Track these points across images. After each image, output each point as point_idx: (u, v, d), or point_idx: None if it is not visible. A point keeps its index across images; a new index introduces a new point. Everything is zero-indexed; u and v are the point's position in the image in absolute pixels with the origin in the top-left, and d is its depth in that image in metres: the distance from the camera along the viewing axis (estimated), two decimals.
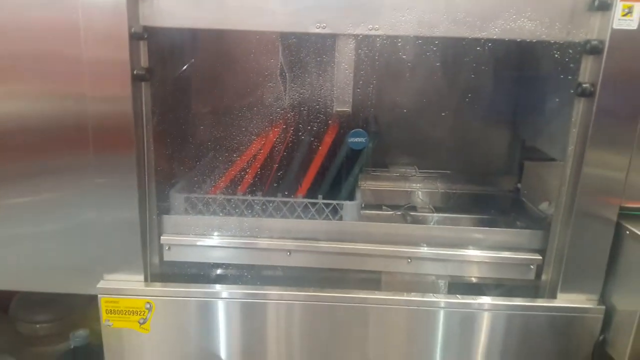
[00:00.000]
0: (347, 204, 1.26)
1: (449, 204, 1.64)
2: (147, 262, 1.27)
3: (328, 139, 1.30)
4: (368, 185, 1.66)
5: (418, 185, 1.67)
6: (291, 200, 1.27)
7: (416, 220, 1.53)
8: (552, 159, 1.36)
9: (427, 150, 1.67)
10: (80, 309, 1.81)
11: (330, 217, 1.26)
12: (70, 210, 1.24)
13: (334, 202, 1.26)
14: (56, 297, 1.82)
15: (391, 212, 1.58)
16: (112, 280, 1.26)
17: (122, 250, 1.24)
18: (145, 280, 1.27)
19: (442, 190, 1.65)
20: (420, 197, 1.65)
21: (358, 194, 1.34)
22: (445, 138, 1.64)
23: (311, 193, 1.31)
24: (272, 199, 1.28)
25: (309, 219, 1.26)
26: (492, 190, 1.66)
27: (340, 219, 1.27)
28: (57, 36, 1.10)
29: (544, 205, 1.42)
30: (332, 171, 1.32)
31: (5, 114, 1.17)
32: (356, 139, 1.21)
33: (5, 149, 1.20)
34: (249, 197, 1.29)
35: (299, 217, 1.28)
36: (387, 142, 1.65)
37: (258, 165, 1.31)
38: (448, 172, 1.67)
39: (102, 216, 1.21)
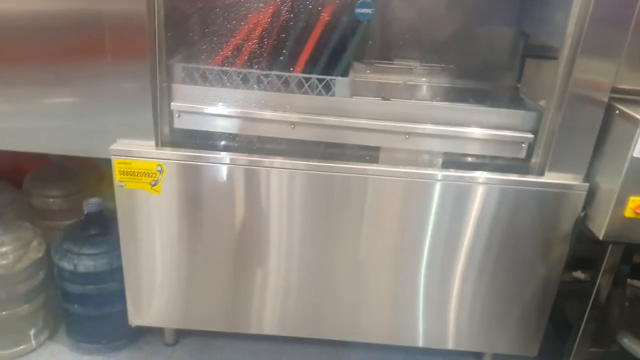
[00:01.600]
0: (339, 79, 1.30)
1: (449, 98, 1.67)
2: (158, 128, 1.33)
3: (325, 16, 1.31)
4: (371, 77, 1.69)
5: (419, 78, 1.70)
6: (285, 74, 1.30)
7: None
8: (554, 58, 1.38)
9: (430, 43, 1.69)
10: (90, 186, 1.90)
11: (323, 92, 1.30)
12: (87, 80, 1.29)
13: (327, 77, 1.29)
14: (68, 174, 1.91)
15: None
16: (125, 144, 1.33)
17: (135, 117, 1.31)
18: (156, 145, 1.34)
19: (443, 85, 1.68)
20: (422, 90, 1.68)
21: (351, 72, 1.37)
22: (450, 32, 1.66)
23: (309, 69, 1.35)
24: (268, 72, 1.31)
25: (302, 94, 1.31)
26: (492, 86, 1.69)
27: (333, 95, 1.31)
28: None
29: (543, 102, 1.46)
30: (329, 48, 1.35)
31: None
32: (363, 10, 1.23)
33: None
34: (245, 70, 1.32)
35: (292, 91, 1.32)
36: (391, 33, 1.67)
37: (255, 39, 1.33)
38: (451, 66, 1.69)
39: (116, 85, 1.27)
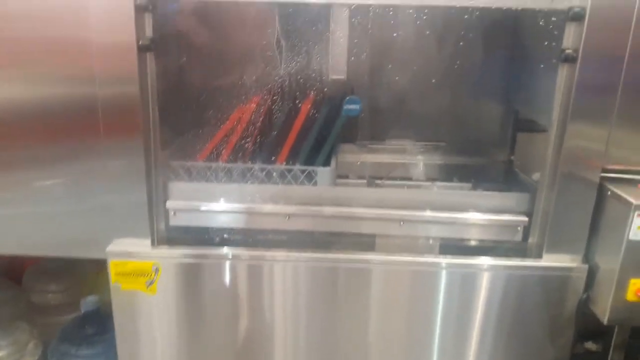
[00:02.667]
0: (320, 169, 1.32)
1: (443, 175, 1.69)
2: (153, 227, 1.33)
3: (305, 108, 1.36)
4: (364, 158, 1.72)
5: (412, 157, 1.72)
6: (268, 167, 1.34)
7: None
8: (545, 130, 1.41)
9: (422, 122, 1.72)
10: (90, 279, 1.89)
11: (306, 183, 1.33)
12: (81, 178, 1.30)
13: (309, 168, 1.32)
14: (67, 268, 1.91)
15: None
16: (121, 244, 1.33)
17: (130, 216, 1.31)
18: (152, 244, 1.33)
19: (436, 162, 1.70)
20: (415, 169, 1.70)
21: (333, 161, 1.40)
22: (440, 110, 1.69)
23: (293, 160, 1.38)
24: (250, 166, 1.35)
25: (285, 184, 1.34)
26: (485, 161, 1.70)
27: (316, 184, 1.33)
28: (64, 17, 1.16)
29: (537, 176, 1.47)
30: (310, 139, 1.38)
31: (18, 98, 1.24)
32: (351, 106, 1.27)
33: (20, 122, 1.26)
34: (244, 166, 1.36)
35: (275, 183, 1.35)
36: (382, 114, 1.70)
37: (243, 133, 1.38)
38: (443, 143, 1.71)
39: (111, 184, 1.28)
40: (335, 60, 1.19)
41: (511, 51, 1.61)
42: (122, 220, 1.31)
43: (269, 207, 1.33)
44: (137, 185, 1.28)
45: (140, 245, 1.33)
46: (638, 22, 1.09)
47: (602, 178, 1.21)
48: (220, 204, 1.35)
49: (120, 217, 1.31)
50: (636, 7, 1.08)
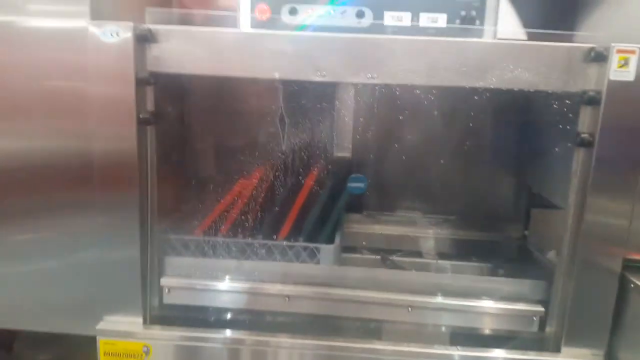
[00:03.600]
0: (324, 247, 1.27)
1: (453, 250, 1.62)
2: (146, 304, 1.26)
3: (309, 184, 1.31)
4: (371, 230, 1.66)
5: (423, 230, 1.66)
6: (269, 243, 1.29)
7: (419, 267, 1.51)
8: (559, 207, 1.34)
9: (433, 196, 1.67)
10: (83, 347, 1.80)
11: (308, 260, 1.27)
12: (72, 249, 1.25)
13: (311, 245, 1.27)
14: (59, 335, 1.83)
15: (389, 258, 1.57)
16: (111, 322, 1.26)
17: (122, 292, 1.24)
18: (145, 322, 1.26)
19: (447, 237, 1.64)
20: (424, 242, 1.64)
21: (337, 238, 1.34)
22: (452, 185, 1.64)
23: (296, 236, 1.32)
24: (250, 241, 1.30)
25: (286, 261, 1.28)
26: (498, 238, 1.64)
27: (318, 262, 1.28)
28: (65, 77, 1.15)
29: (551, 254, 1.40)
30: (314, 214, 1.34)
31: (12, 151, 1.21)
32: (355, 184, 1.22)
33: (10, 185, 1.22)
34: (244, 241, 1.30)
35: (276, 259, 1.29)
36: (390, 187, 1.65)
37: (244, 207, 1.34)
38: (452, 217, 1.65)
39: (104, 256, 1.22)
40: (340, 138, 1.15)
41: (524, 128, 1.57)
42: (114, 295, 1.25)
43: (269, 287, 1.26)
44: (131, 258, 1.22)
45: (132, 324, 1.25)
46: None
47: (625, 267, 1.12)
48: (218, 282, 1.28)
49: (111, 292, 1.25)
50: None
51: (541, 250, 1.48)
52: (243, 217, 1.35)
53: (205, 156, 1.44)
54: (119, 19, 1.10)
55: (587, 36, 1.35)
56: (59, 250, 1.25)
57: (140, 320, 1.26)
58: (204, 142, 1.46)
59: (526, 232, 1.62)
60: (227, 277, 1.28)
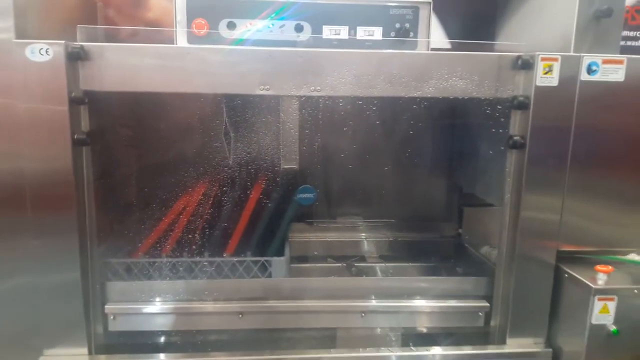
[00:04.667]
0: (275, 260, 1.27)
1: (395, 252, 1.67)
2: (90, 333, 1.20)
3: (255, 197, 1.31)
4: (317, 237, 1.67)
5: (366, 235, 1.69)
6: (217, 260, 1.27)
7: (363, 272, 1.54)
8: (489, 205, 1.42)
9: (371, 201, 1.70)
10: None
11: (259, 274, 1.27)
12: (7, 278, 1.16)
13: (261, 259, 1.26)
14: None
15: (338, 265, 1.59)
16: (53, 356, 1.18)
17: (64, 321, 1.18)
18: (89, 353, 1.20)
19: (387, 239, 1.68)
20: (367, 246, 1.67)
21: (287, 250, 1.34)
22: (388, 189, 1.68)
23: (243, 251, 1.31)
24: (197, 259, 1.28)
25: (237, 277, 1.27)
26: (435, 237, 1.70)
27: (270, 275, 1.27)
28: None
29: (485, 249, 1.48)
30: (262, 227, 1.34)
31: None
32: (305, 195, 1.23)
33: None
34: (189, 259, 1.27)
35: (226, 276, 1.27)
36: (334, 195, 1.68)
37: (188, 224, 1.31)
38: (392, 220, 1.70)
39: (42, 284, 1.15)
40: (287, 149, 1.15)
41: (455, 132, 1.65)
42: (55, 325, 1.18)
43: (220, 305, 1.24)
44: (72, 285, 1.16)
45: (76, 356, 1.19)
46: (580, 103, 1.13)
47: (559, 259, 1.20)
48: (165, 305, 1.24)
49: (52, 322, 1.17)
50: (577, 90, 1.13)
51: (475, 246, 1.55)
52: (188, 235, 1.32)
53: (146, 174, 1.39)
54: (45, 36, 1.05)
55: (506, 45, 1.44)
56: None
57: (85, 350, 1.19)
58: (145, 159, 1.40)
59: (460, 230, 1.70)
60: (175, 298, 1.25)
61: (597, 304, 1.10)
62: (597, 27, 1.18)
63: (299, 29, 1.16)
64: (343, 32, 1.18)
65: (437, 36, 1.56)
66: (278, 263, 1.26)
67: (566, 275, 1.18)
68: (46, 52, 1.03)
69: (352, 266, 1.55)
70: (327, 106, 1.23)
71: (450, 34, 1.61)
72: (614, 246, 1.22)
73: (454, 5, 1.59)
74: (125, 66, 1.08)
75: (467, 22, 1.62)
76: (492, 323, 1.27)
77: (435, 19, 1.58)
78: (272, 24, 1.15)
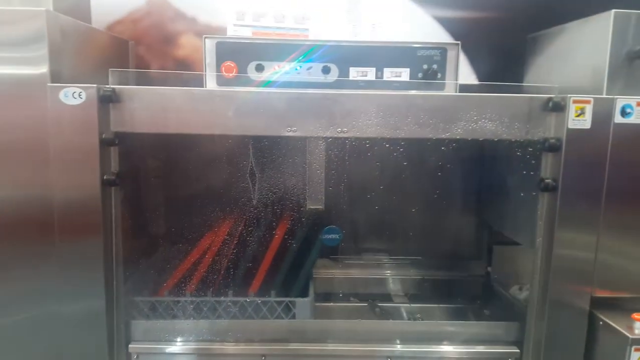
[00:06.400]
0: (299, 301, 1.25)
1: (421, 290, 1.64)
2: None
3: (280, 237, 1.31)
4: (342, 274, 1.65)
5: (392, 272, 1.67)
6: (241, 299, 1.26)
7: (388, 312, 1.51)
8: (518, 244, 1.39)
9: (398, 239, 1.68)
10: None
11: (283, 315, 1.25)
12: (32, 317, 1.16)
13: (286, 299, 1.25)
14: None
15: (362, 304, 1.56)
16: None
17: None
18: None
19: (414, 277, 1.65)
20: (392, 284, 1.64)
21: (311, 290, 1.33)
22: (415, 227, 1.66)
23: (267, 290, 1.30)
24: (221, 299, 1.27)
25: (261, 318, 1.25)
26: (463, 275, 1.67)
27: (294, 317, 1.25)
28: (28, 136, 1.09)
29: (514, 289, 1.44)
30: (285, 267, 1.33)
31: None
32: (330, 236, 1.22)
33: None
34: (216, 299, 1.26)
35: (250, 316, 1.26)
36: (360, 233, 1.66)
37: (213, 264, 1.31)
38: (419, 258, 1.67)
39: (66, 324, 1.15)
40: (313, 190, 1.15)
41: (484, 172, 1.62)
42: None
43: (243, 347, 1.22)
44: (96, 324, 1.16)
45: None
46: (614, 146, 1.10)
47: (594, 305, 1.16)
48: (187, 345, 1.23)
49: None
50: (610, 132, 1.10)
51: (504, 286, 1.51)
52: (213, 274, 1.31)
53: (172, 213, 1.40)
54: (79, 77, 1.07)
55: (535, 86, 1.42)
56: (20, 314, 1.17)
57: None
58: (172, 198, 1.42)
59: (489, 269, 1.66)
60: (198, 339, 1.23)
61: (634, 355, 1.05)
62: (630, 68, 1.16)
63: (326, 70, 1.16)
64: (370, 74, 1.18)
65: (465, 74, 1.55)
66: (302, 304, 1.24)
67: (601, 322, 1.14)
68: (79, 95, 1.05)
69: (375, 306, 1.52)
70: (354, 147, 1.23)
71: (479, 72, 1.60)
72: None
73: (483, 43, 1.58)
74: (155, 108, 1.10)
75: (496, 60, 1.61)
76: None
77: (464, 57, 1.57)
78: (300, 66, 1.16)
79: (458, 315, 1.49)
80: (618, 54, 1.16)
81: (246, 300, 1.26)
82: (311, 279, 1.37)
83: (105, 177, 1.11)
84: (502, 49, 1.59)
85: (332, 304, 1.55)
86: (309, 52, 1.16)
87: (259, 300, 1.25)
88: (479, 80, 1.58)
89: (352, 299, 1.62)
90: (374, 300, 1.56)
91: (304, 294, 1.29)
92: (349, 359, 1.22)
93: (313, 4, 1.39)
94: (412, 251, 1.68)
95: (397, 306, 1.53)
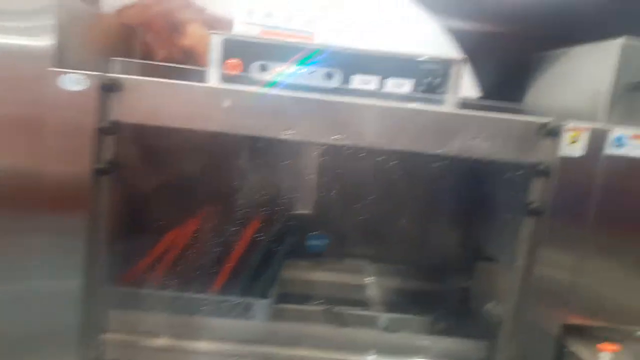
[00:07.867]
0: (258, 302, 1.25)
1: (397, 299, 1.64)
2: None
3: (250, 233, 1.31)
4: (314, 276, 1.64)
5: (369, 278, 1.68)
6: (200, 296, 1.26)
7: (360, 319, 1.49)
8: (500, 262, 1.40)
9: (380, 247, 1.70)
10: None
11: (243, 315, 1.26)
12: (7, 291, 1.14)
13: (243, 300, 1.25)
14: None
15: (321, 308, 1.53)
16: None
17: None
18: None
19: (392, 286, 1.66)
20: (368, 290, 1.64)
21: (273, 292, 1.33)
22: (398, 238, 1.68)
23: (232, 289, 1.30)
24: (182, 294, 1.27)
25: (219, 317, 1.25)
26: (443, 286, 1.67)
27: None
28: (20, 125, 1.08)
29: (490, 306, 1.45)
30: (254, 267, 1.33)
31: None
32: (316, 242, 1.23)
33: None
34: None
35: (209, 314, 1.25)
36: (339, 232, 1.64)
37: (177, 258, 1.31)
38: (401, 266, 1.69)
39: (42, 301, 1.14)
40: (303, 194, 1.16)
41: (474, 187, 1.59)
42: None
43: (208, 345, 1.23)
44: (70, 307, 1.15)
45: None
46: (604, 176, 1.12)
47: (567, 331, 1.18)
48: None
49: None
50: (602, 162, 1.11)
51: (482, 302, 1.51)
52: (180, 269, 1.31)
53: (156, 205, 1.39)
54: (83, 63, 1.08)
55: (534, 110, 1.44)
56: None
57: None
58: (159, 190, 1.41)
59: (469, 283, 1.66)
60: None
61: None
62: (630, 99, 1.17)
63: (329, 76, 1.17)
64: (373, 82, 1.18)
65: (468, 87, 1.55)
66: (260, 305, 1.24)
67: (565, 350, 1.16)
68: (82, 82, 1.05)
69: (331, 312, 1.48)
70: (349, 155, 1.23)
71: (483, 84, 1.60)
72: (628, 323, 1.19)
73: (489, 56, 1.58)
74: (157, 101, 1.10)
75: (501, 73, 1.61)
76: None
77: (470, 69, 1.57)
78: (304, 69, 1.16)
79: (429, 328, 1.49)
80: (619, 83, 1.17)
81: (204, 298, 1.26)
82: (277, 281, 1.38)
83: (98, 166, 1.11)
84: (510, 64, 1.59)
85: (298, 306, 1.49)
86: (312, 54, 1.17)
87: (216, 298, 1.25)
88: (485, 92, 1.57)
89: (327, 305, 1.59)
90: (331, 305, 1.52)
91: (265, 295, 1.30)
92: None
93: (321, 8, 1.38)
94: (393, 260, 1.69)
95: (362, 314, 1.49)
